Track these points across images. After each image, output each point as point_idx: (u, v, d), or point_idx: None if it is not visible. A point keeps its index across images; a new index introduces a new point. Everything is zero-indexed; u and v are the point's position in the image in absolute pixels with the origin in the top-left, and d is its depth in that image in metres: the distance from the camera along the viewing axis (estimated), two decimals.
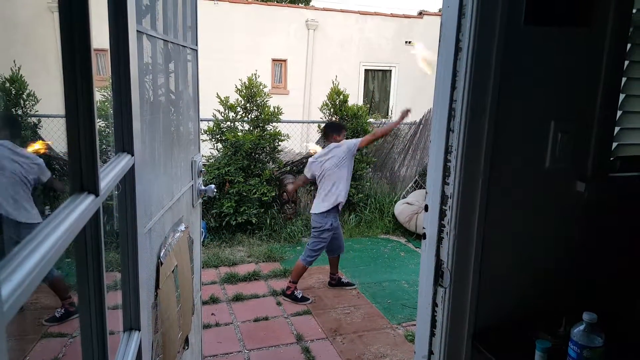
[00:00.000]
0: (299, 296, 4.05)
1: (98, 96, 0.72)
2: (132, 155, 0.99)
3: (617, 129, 1.46)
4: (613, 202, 1.48)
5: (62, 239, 0.51)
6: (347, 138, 4.54)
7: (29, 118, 4.88)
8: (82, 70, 0.63)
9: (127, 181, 0.99)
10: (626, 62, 1.41)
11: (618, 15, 1.33)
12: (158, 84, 1.52)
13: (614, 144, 1.47)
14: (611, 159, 1.47)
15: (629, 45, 1.40)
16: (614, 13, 1.33)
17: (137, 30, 1.09)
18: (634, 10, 1.38)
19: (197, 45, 2.11)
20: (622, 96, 1.44)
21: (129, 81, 0.94)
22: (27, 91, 4.88)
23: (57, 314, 2.50)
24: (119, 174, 0.86)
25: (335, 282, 4.34)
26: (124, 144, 0.98)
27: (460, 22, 1.23)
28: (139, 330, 1.06)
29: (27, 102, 4.85)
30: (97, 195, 0.67)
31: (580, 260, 1.48)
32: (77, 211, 0.59)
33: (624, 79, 1.42)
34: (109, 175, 0.78)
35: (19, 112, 4.78)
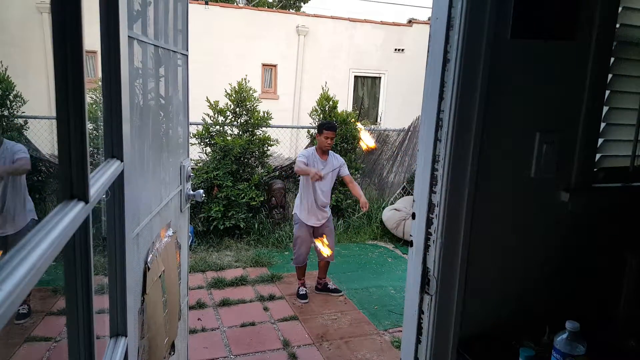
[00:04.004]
0: (332, 287, 4.38)
1: (87, 99, 0.72)
2: (122, 161, 0.99)
3: (600, 140, 1.49)
4: (596, 212, 1.51)
5: (51, 247, 0.51)
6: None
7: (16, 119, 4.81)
8: (74, 80, 0.63)
9: (116, 187, 0.99)
10: (610, 76, 1.44)
11: (602, 30, 1.37)
12: (148, 89, 1.52)
13: (598, 156, 1.50)
14: (595, 169, 1.51)
15: (612, 59, 1.43)
16: (598, 28, 1.36)
17: (128, 36, 1.09)
18: (618, 25, 1.41)
19: (187, 50, 2.11)
20: (605, 108, 1.48)
21: (120, 88, 0.94)
22: (14, 92, 4.80)
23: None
24: (109, 180, 0.86)
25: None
26: (114, 150, 0.98)
27: (448, 34, 1.25)
28: (126, 336, 1.05)
29: (14, 104, 4.77)
30: (86, 202, 0.67)
31: (564, 269, 1.51)
32: (66, 219, 0.59)
33: (607, 92, 1.46)
34: (99, 181, 0.78)
35: (5, 113, 4.71)
